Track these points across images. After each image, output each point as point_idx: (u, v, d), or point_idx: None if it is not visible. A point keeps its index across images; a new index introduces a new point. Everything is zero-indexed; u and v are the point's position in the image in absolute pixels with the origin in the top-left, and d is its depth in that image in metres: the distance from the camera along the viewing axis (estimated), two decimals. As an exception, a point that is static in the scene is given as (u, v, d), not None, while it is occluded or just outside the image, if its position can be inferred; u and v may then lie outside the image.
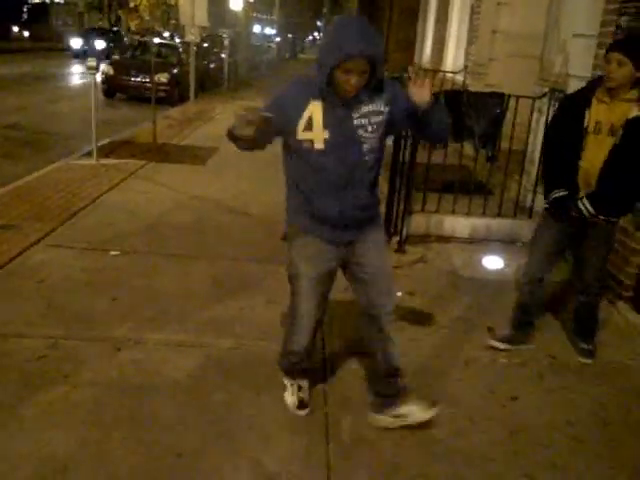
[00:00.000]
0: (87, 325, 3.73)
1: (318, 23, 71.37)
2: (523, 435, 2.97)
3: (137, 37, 17.99)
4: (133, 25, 10.80)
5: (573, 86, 5.52)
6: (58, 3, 43.12)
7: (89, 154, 7.89)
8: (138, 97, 14.44)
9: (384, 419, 2.91)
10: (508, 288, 4.64)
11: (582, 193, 3.35)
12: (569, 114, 3.39)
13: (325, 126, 2.47)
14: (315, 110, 2.46)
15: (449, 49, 11.88)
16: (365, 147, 2.52)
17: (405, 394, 2.94)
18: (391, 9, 19.48)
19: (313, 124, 2.46)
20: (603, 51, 5.10)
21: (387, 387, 2.93)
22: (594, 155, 3.27)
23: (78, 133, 9.97)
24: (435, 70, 10.96)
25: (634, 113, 3.15)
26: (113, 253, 4.87)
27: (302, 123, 2.47)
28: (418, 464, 2.73)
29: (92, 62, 7.48)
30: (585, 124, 3.26)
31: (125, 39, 35.17)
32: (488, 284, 4.78)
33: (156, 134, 9.09)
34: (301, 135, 2.49)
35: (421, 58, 14.94)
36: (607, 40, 5.08)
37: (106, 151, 8.34)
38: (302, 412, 2.99)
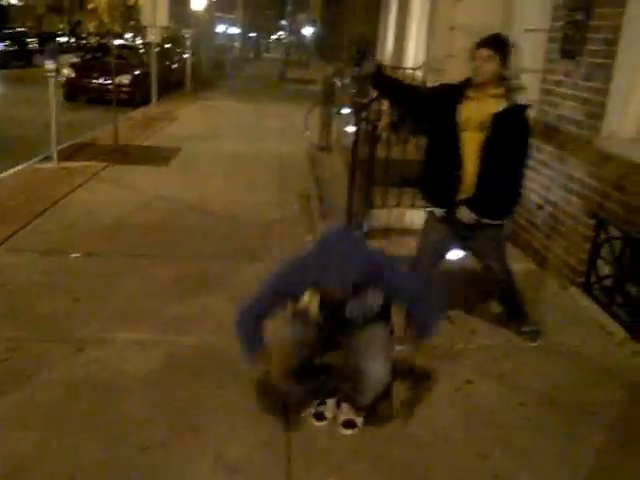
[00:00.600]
0: (50, 327, 3.74)
1: (282, 22, 71.27)
2: (477, 416, 3.08)
3: (97, 39, 17.80)
4: (92, 27, 10.74)
5: (526, 80, 5.68)
6: (14, 5, 42.31)
7: (50, 157, 7.83)
8: (100, 99, 14.30)
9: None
10: (465, 276, 4.77)
11: (460, 197, 3.43)
12: (441, 105, 3.43)
13: (319, 314, 2.71)
14: (312, 299, 2.67)
15: (410, 45, 12.03)
16: (356, 322, 2.74)
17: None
18: (354, 6, 19.61)
19: (310, 305, 2.69)
20: (554, 45, 5.31)
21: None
22: (468, 153, 3.36)
23: (39, 137, 9.82)
24: (396, 67, 11.11)
25: (500, 108, 3.28)
26: (74, 255, 4.87)
27: (302, 300, 2.70)
28: (377, 449, 2.82)
29: (51, 65, 7.42)
30: (457, 118, 3.34)
31: (84, 41, 34.85)
32: (448, 274, 4.88)
33: (118, 136, 9.06)
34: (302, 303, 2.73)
35: (383, 54, 15.08)
36: (558, 34, 5.25)
37: (68, 154, 8.29)
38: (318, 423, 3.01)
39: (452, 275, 4.81)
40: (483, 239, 3.59)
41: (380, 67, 3.50)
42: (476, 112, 3.32)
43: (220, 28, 42.46)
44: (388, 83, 3.56)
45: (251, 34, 50.47)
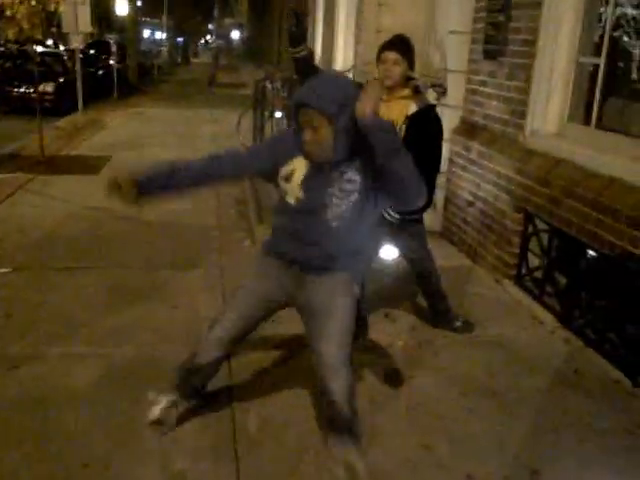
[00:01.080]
0: (-21, 345, 3.60)
1: (210, 26, 70.68)
2: (420, 409, 3.15)
3: (16, 46, 17.17)
4: (11, 34, 10.29)
5: (451, 80, 5.86)
6: None
7: (-28, 170, 7.53)
8: (22, 109, 13.82)
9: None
10: (401, 276, 4.86)
11: None
12: None
13: (301, 186, 2.46)
14: (299, 167, 2.47)
15: (339, 49, 12.16)
16: (329, 213, 2.45)
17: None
18: (281, 12, 19.66)
19: (293, 178, 2.48)
20: (476, 46, 5.48)
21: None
22: None
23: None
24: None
25: (413, 109, 3.39)
26: (3, 270, 4.70)
27: (284, 172, 2.50)
28: (321, 449, 2.83)
29: (-32, 73, 7.14)
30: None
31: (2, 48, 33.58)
32: (385, 273, 4.96)
33: (43, 146, 8.78)
34: (280, 183, 2.53)
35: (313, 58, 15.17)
36: (480, 36, 5.42)
37: (-9, 166, 7.98)
38: (161, 428, 2.85)
39: (390, 273, 4.91)
40: (407, 234, 3.69)
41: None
42: (387, 114, 3.36)
43: (146, 33, 41.78)
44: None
45: (178, 39, 49.84)
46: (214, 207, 6.80)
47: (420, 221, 3.74)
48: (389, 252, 5.42)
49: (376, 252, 3.33)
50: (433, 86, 5.88)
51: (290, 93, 12.42)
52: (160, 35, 44.31)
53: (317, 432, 2.93)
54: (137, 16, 25.45)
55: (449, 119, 5.71)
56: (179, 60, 44.45)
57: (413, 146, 3.31)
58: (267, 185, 7.21)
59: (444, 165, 5.87)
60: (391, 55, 3.32)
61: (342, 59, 11.96)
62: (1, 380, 3.26)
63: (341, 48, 12.11)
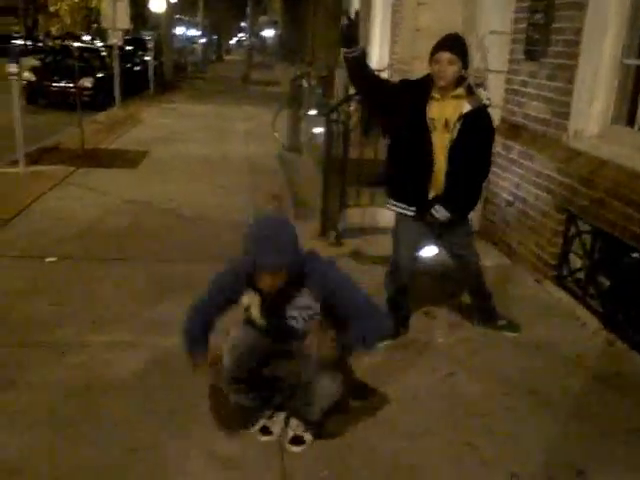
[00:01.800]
0: (29, 331, 3.69)
1: (242, 24, 71.04)
2: (462, 407, 3.16)
3: (59, 42, 17.51)
4: (54, 30, 10.48)
5: (492, 80, 5.83)
6: (-32, 7, 41.31)
7: (16, 162, 7.69)
8: (61, 103, 14.09)
9: None
10: (441, 274, 4.87)
11: (431, 194, 3.51)
12: (410, 102, 3.44)
13: (262, 316, 2.69)
14: (252, 301, 2.66)
15: (374, 48, 12.15)
16: (299, 334, 2.67)
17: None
18: (315, 10, 19.68)
19: (251, 311, 2.69)
20: (517, 46, 5.45)
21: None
22: (436, 153, 3.43)
23: (0, 142, 9.67)
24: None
25: (466, 108, 3.38)
26: (49, 260, 4.81)
27: (243, 303, 2.70)
28: (368, 442, 2.86)
29: (13, 68, 7.29)
30: (427, 116, 3.39)
31: (42, 43, 34.17)
32: (423, 270, 4.97)
33: (84, 139, 8.94)
34: (245, 310, 2.74)
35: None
36: (521, 36, 5.39)
37: (34, 158, 8.14)
38: (265, 437, 2.90)
39: (430, 270, 4.91)
40: (454, 232, 3.68)
41: (365, 61, 3.56)
42: (441, 113, 3.41)
43: (180, 30, 42.16)
44: (365, 70, 3.57)
45: (212, 36, 50.18)
46: (250, 203, 6.86)
47: (467, 219, 3.74)
48: (429, 250, 5.44)
49: None
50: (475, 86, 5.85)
51: (325, 91, 12.48)
52: (194, 32, 44.66)
53: (363, 421, 2.96)
54: (172, 13, 25.69)
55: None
56: (213, 57, 44.75)
57: (467, 145, 3.36)
58: (301, 184, 7.28)
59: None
60: (445, 55, 3.32)
61: (378, 57, 11.95)
62: (50, 366, 3.34)
63: (377, 46, 12.09)
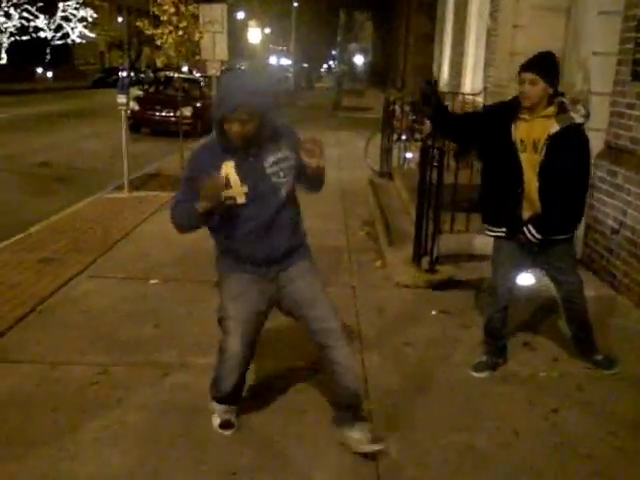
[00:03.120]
0: (134, 351, 3.85)
1: (333, 52, 72.33)
2: (567, 446, 3.01)
3: (163, 73, 18.40)
4: (159, 62, 11.12)
5: (595, 103, 5.63)
6: (80, 43, 44.31)
7: (121, 188, 8.12)
8: (162, 131, 14.80)
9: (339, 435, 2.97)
10: (541, 303, 4.70)
11: (526, 215, 3.43)
12: (496, 124, 3.42)
13: (242, 181, 2.64)
14: (229, 169, 2.63)
15: (467, 71, 12.04)
16: (282, 192, 2.70)
17: (356, 419, 2.93)
18: (407, 35, 19.77)
19: (231, 182, 2.63)
20: (623, 68, 5.25)
21: (344, 411, 2.97)
22: (527, 174, 3.36)
23: (107, 168, 10.26)
24: (454, 92, 11.12)
25: (555, 128, 3.26)
26: (152, 282, 5.01)
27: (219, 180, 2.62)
28: (465, 478, 2.78)
29: (122, 99, 7.73)
30: (513, 137, 3.35)
31: (143, 75, 36.02)
32: (520, 300, 4.82)
33: (184, 166, 9.31)
34: (224, 195, 2.62)
35: (439, 81, 15.12)
36: (627, 57, 5.19)
37: (137, 184, 8.57)
38: (226, 432, 3.05)
39: (529, 302, 4.76)
40: (554, 253, 3.55)
41: (446, 109, 3.66)
42: (529, 134, 3.34)
43: (273, 59, 43.43)
44: (448, 122, 3.73)
45: (303, 64, 51.33)
46: (342, 228, 6.91)
47: (569, 240, 3.58)
48: (526, 279, 5.28)
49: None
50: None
51: (417, 117, 12.46)
52: (286, 61, 45.90)
53: (461, 456, 2.89)
54: (266, 44, 26.51)
55: (592, 143, 5.47)
56: (303, 85, 45.75)
57: (557, 165, 3.26)
58: (393, 209, 7.24)
59: (586, 191, 5.63)
60: (527, 75, 3.24)
61: (470, 81, 11.82)
62: (154, 387, 3.47)
63: (470, 71, 11.97)
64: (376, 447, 2.84)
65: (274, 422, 3.15)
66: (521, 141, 3.35)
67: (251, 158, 2.63)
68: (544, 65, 3.31)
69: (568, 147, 3.29)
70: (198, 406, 3.27)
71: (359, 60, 55.78)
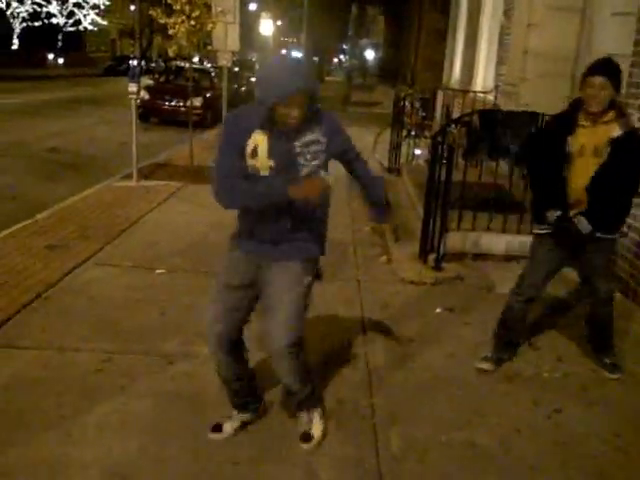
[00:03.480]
0: (139, 340, 3.87)
1: (344, 46, 72.15)
2: (569, 446, 3.01)
3: (174, 63, 18.38)
4: (171, 51, 11.08)
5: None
6: (91, 30, 44.34)
7: (129, 176, 8.13)
8: (171, 121, 14.80)
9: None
10: (545, 304, 4.70)
11: (573, 212, 3.43)
12: (550, 139, 3.48)
13: (269, 156, 2.60)
14: (260, 140, 2.60)
15: (479, 69, 11.99)
16: (303, 172, 2.63)
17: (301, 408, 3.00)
18: (419, 31, 19.69)
19: (258, 153, 2.60)
20: (637, 70, 5.21)
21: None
22: (580, 176, 3.36)
23: (116, 156, 10.28)
24: (465, 90, 11.09)
25: (617, 132, 3.27)
26: (159, 271, 5.03)
27: (248, 150, 2.60)
28: (467, 476, 2.79)
29: (133, 87, 7.73)
30: (568, 149, 3.35)
31: (154, 64, 36.01)
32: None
33: (193, 156, 9.33)
34: (248, 161, 2.62)
35: (450, 78, 15.07)
36: (640, 59, 5.15)
37: (145, 173, 8.58)
38: (212, 435, 2.97)
39: (534, 302, 4.75)
40: (596, 253, 3.55)
41: None
42: (590, 139, 3.33)
43: (284, 52, 43.32)
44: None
45: (314, 57, 51.22)
46: (349, 222, 6.90)
47: (612, 244, 3.60)
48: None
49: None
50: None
51: (427, 113, 12.43)
52: (297, 54, 45.82)
53: (462, 452, 2.90)
54: (278, 36, 26.46)
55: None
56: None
57: (618, 170, 3.27)
58: (400, 205, 7.22)
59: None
60: (598, 80, 3.22)
61: (482, 79, 11.78)
62: (157, 375, 3.48)
63: (481, 69, 11.92)
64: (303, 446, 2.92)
65: (276, 414, 3.16)
66: (581, 147, 3.34)
67: (284, 135, 2.59)
68: (612, 70, 3.30)
69: (628, 150, 3.30)
70: (201, 396, 3.29)
71: (370, 55, 55.60)
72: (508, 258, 5.71)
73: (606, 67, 3.28)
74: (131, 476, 2.68)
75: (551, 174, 3.44)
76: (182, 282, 4.85)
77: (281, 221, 2.70)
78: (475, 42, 12.36)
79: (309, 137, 2.62)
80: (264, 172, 2.63)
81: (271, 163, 2.61)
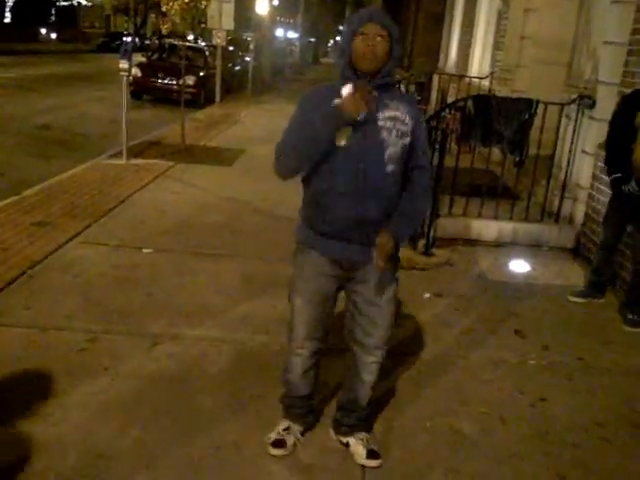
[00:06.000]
0: (124, 320, 3.83)
1: (340, 27, 71.51)
2: (553, 435, 3.01)
3: (168, 40, 18.12)
4: (164, 29, 10.93)
5: (602, 93, 5.55)
6: (85, 6, 43.76)
7: (119, 154, 8.05)
8: (164, 99, 14.66)
9: (336, 439, 2.86)
10: (534, 291, 4.70)
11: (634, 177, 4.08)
12: (623, 113, 4.23)
13: (349, 131, 2.37)
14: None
15: (475, 54, 11.91)
16: (387, 153, 2.39)
17: (359, 429, 2.81)
18: (416, 14, 19.52)
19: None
20: (634, 58, 5.17)
21: (345, 415, 2.83)
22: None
23: (107, 133, 10.18)
24: (461, 75, 11.02)
25: None
26: (146, 251, 4.98)
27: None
28: (450, 462, 2.78)
29: (124, 64, 7.62)
30: (636, 123, 4.00)
31: (149, 42, 35.61)
32: (514, 287, 4.82)
33: (184, 135, 9.24)
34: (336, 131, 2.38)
35: (446, 63, 14.97)
36: (638, 48, 5.11)
37: (135, 151, 8.49)
38: (276, 451, 2.74)
39: (522, 289, 4.76)
40: None
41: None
42: None
43: (279, 32, 42.91)
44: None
45: (310, 39, 50.79)
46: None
47: None
48: (519, 266, 5.27)
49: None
50: (581, 98, 5.61)
51: (422, 97, 12.35)
52: (293, 34, 45.37)
53: (446, 440, 2.89)
54: (273, 15, 26.20)
55: (596, 132, 5.43)
56: (309, 60, 45.33)
57: None
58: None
59: (587, 180, 5.61)
60: None
61: (478, 64, 11.71)
62: (141, 356, 3.45)
63: (478, 54, 11.85)
64: (372, 463, 2.72)
65: (260, 396, 3.13)
66: None
67: (373, 103, 2.35)
68: None
69: None
70: (185, 378, 3.26)
71: (367, 37, 55.09)
72: (498, 245, 5.71)
73: None
74: (112, 457, 2.66)
75: (622, 143, 4.11)
76: (170, 262, 4.81)
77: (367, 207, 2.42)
78: (472, 27, 12.26)
79: (395, 113, 2.40)
80: (342, 141, 2.37)
81: (349, 132, 2.36)
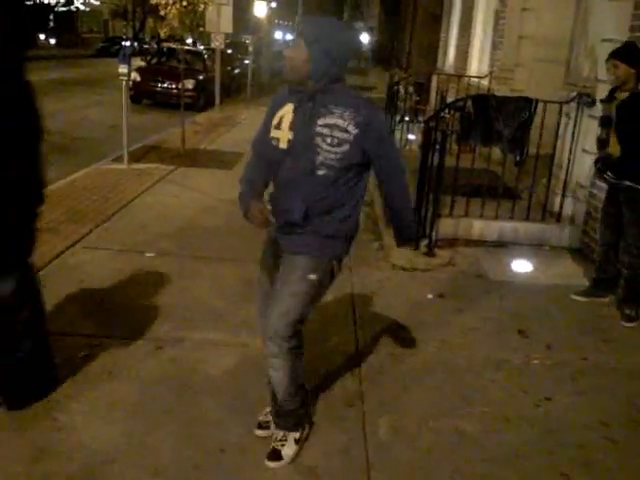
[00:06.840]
0: (127, 324, 3.83)
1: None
2: (557, 435, 3.01)
3: (166, 44, 18.15)
4: (162, 33, 10.93)
5: (601, 90, 5.55)
6: (84, 11, 43.82)
7: (120, 159, 8.05)
8: (163, 103, 14.67)
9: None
10: (536, 291, 4.70)
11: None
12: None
13: (291, 127, 2.50)
14: (287, 111, 2.54)
15: (473, 54, 11.92)
16: (318, 158, 2.45)
17: (279, 426, 2.81)
18: (414, 14, 19.53)
19: (282, 124, 2.54)
20: (632, 56, 5.16)
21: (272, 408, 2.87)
22: None
23: (107, 138, 10.18)
24: (460, 75, 11.02)
25: None
26: (148, 255, 4.99)
27: (275, 121, 2.57)
28: (454, 461, 2.79)
29: (124, 69, 7.63)
30: (611, 115, 4.21)
31: (148, 46, 35.63)
32: (516, 287, 4.82)
33: (184, 139, 9.25)
34: (272, 133, 2.57)
35: (444, 63, 14.98)
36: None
37: (136, 156, 8.50)
38: (260, 432, 2.88)
39: (525, 289, 4.76)
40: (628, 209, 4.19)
41: None
42: None
43: (278, 34, 42.97)
44: None
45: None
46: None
47: (636, 189, 4.10)
48: (521, 266, 5.26)
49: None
50: (581, 96, 5.61)
51: (421, 98, 12.35)
52: (291, 37, 45.42)
53: (450, 439, 2.89)
54: (272, 18, 26.22)
55: (595, 131, 5.42)
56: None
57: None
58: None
59: (588, 179, 5.61)
60: None
61: (476, 64, 11.72)
62: (145, 360, 3.45)
63: (476, 54, 11.86)
64: (268, 464, 2.71)
65: (263, 399, 3.13)
66: None
67: (308, 110, 2.47)
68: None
69: None
70: (189, 382, 3.27)
71: (365, 39, 55.19)
72: (500, 244, 5.71)
73: None
74: (117, 461, 2.66)
75: None
76: (172, 266, 4.81)
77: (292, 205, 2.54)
78: (470, 27, 12.27)
79: (334, 120, 2.44)
80: (282, 145, 2.52)
81: (290, 136, 2.50)
